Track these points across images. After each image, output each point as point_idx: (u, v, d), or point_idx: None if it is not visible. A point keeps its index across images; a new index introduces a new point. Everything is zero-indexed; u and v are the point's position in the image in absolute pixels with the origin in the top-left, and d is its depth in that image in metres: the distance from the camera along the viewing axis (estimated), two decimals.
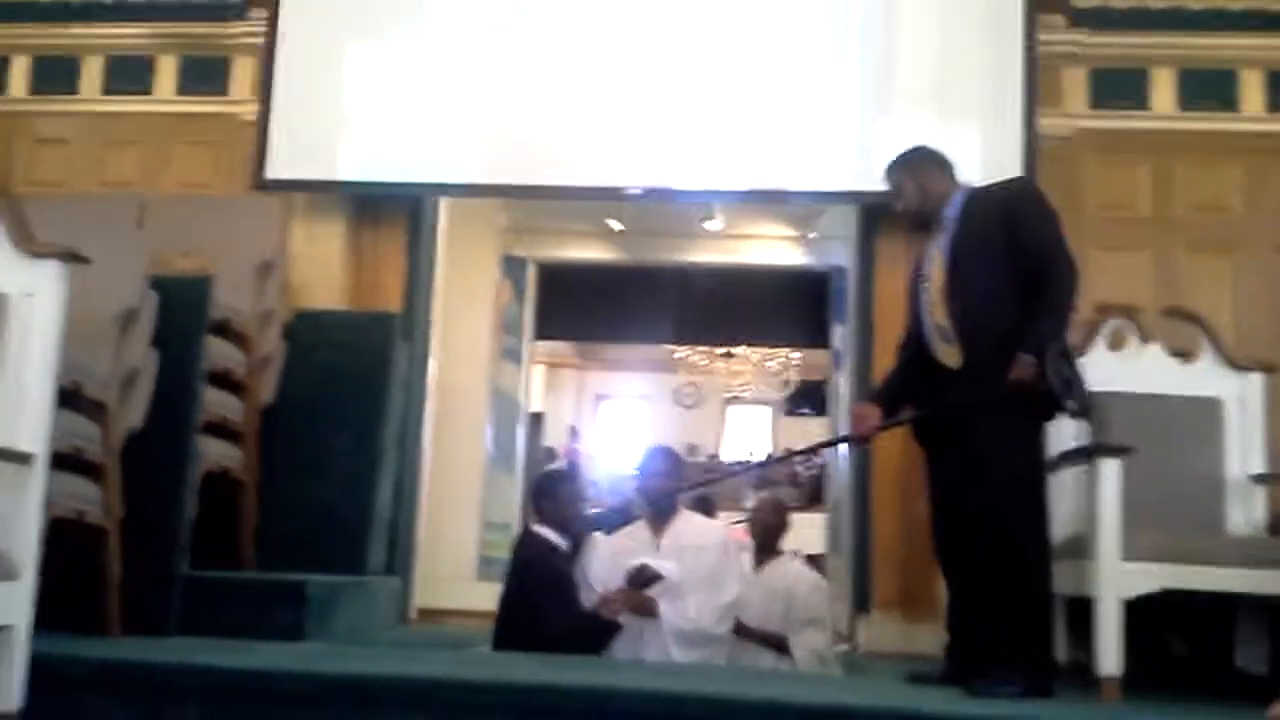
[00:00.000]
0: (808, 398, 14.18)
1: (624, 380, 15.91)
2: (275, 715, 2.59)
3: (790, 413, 15.11)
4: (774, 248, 8.04)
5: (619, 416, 15.61)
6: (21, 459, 2.49)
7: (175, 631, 3.29)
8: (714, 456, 14.98)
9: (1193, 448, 3.53)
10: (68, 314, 2.64)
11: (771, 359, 14.44)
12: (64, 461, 2.89)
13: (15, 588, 2.44)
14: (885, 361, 3.81)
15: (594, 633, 3.94)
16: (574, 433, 14.87)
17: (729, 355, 14.60)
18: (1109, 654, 2.94)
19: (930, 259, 3.37)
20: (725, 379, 14.96)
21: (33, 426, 2.52)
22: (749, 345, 13.91)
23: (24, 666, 2.45)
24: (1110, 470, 3.03)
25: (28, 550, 2.49)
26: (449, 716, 2.55)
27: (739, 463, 14.03)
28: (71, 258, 2.65)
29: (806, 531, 6.92)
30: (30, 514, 2.51)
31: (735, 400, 15.62)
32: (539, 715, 2.54)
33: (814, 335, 8.61)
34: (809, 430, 12.50)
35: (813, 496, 11.24)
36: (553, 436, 14.05)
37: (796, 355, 14.08)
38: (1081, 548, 3.19)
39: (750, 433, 15.55)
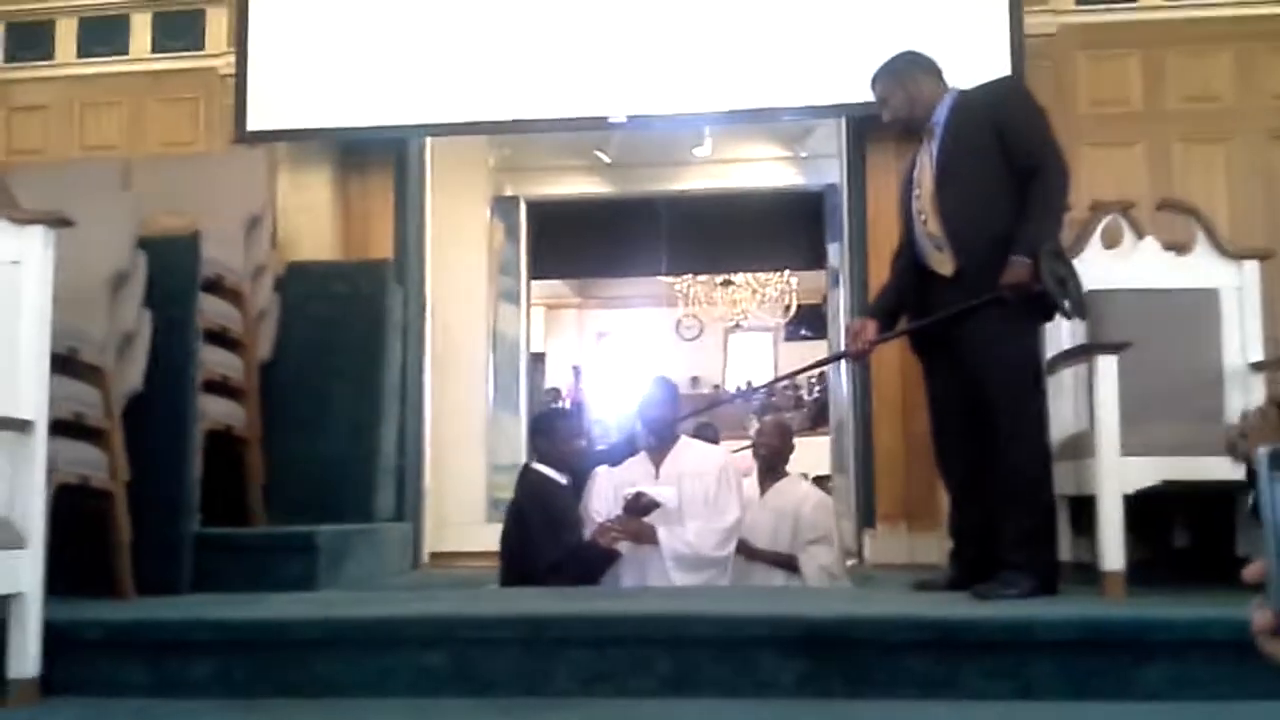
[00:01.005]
0: (808, 322, 14.16)
1: (624, 317, 15.89)
2: (291, 663, 2.62)
3: (791, 338, 15.10)
4: (765, 170, 7.99)
5: (621, 353, 15.60)
6: (21, 426, 2.50)
7: (188, 590, 3.33)
8: (718, 387, 15.00)
9: (1191, 340, 3.52)
10: (58, 280, 2.64)
11: (770, 285, 14.39)
12: (66, 428, 2.91)
13: (24, 556, 2.47)
14: (881, 277, 3.79)
15: (591, 562, 3.97)
16: (576, 372, 14.88)
17: (728, 284, 14.55)
18: (1112, 549, 2.96)
19: (920, 166, 3.34)
20: (725, 308, 14.92)
21: (30, 393, 2.54)
22: (746, 272, 13.86)
23: (38, 633, 2.48)
24: (1107, 366, 3.03)
25: (35, 518, 2.51)
26: (461, 652, 2.58)
27: (740, 390, 14.06)
28: (57, 222, 2.65)
29: (811, 453, 6.94)
30: (34, 481, 2.53)
31: (736, 329, 15.60)
32: (549, 645, 2.57)
33: (811, 257, 8.59)
34: (811, 354, 12.47)
35: (816, 419, 11.28)
36: (555, 377, 14.06)
37: (795, 280, 14.03)
38: (1082, 447, 3.20)
39: (753, 361, 15.54)
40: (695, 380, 14.36)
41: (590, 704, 2.47)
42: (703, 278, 14.33)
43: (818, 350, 10.11)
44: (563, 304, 15.51)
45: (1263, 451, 0.75)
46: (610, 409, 12.72)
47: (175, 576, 3.32)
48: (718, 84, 4.78)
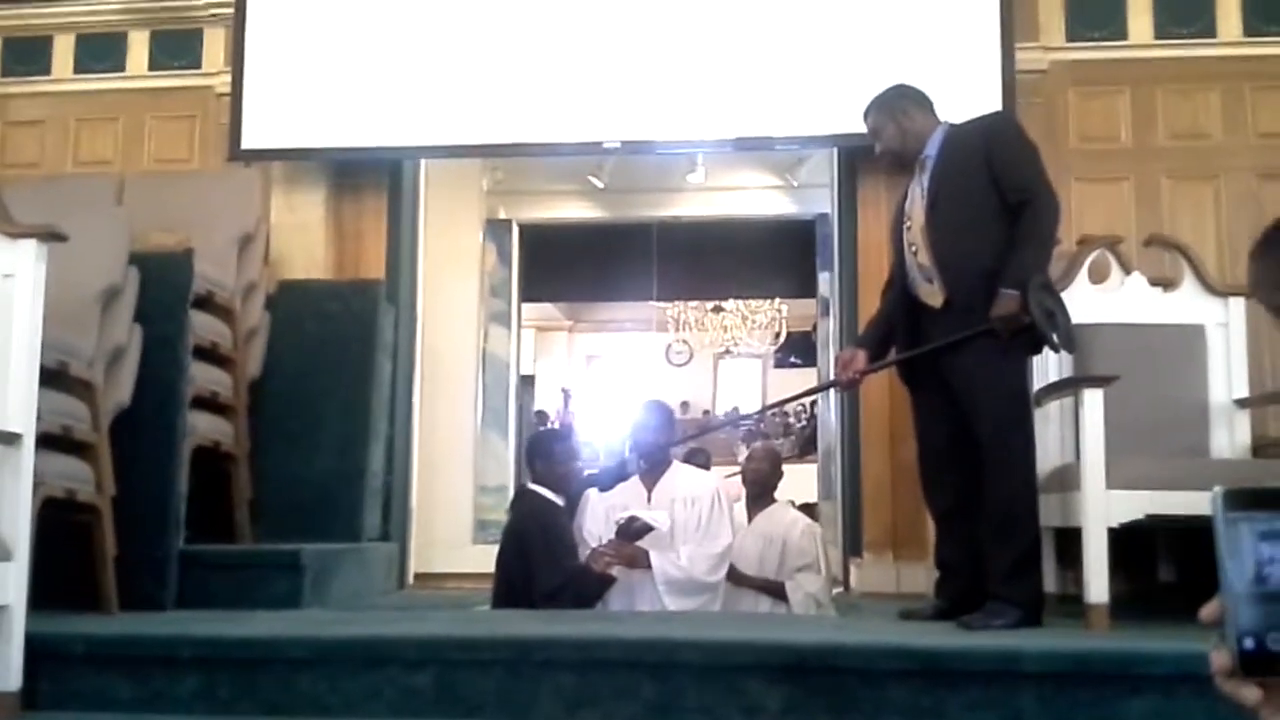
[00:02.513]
0: (798, 349, 14.20)
1: (614, 341, 15.91)
2: (276, 681, 2.61)
3: (781, 365, 15.14)
4: (758, 198, 8.03)
5: (611, 377, 15.61)
6: (9, 439, 2.50)
7: (172, 606, 3.32)
8: (707, 413, 15.03)
9: (1177, 375, 3.54)
10: (49, 294, 2.65)
11: (760, 312, 14.44)
12: (53, 442, 2.91)
13: (9, 568, 2.46)
14: (871, 306, 3.81)
15: (587, 587, 3.97)
16: (566, 395, 14.89)
17: (718, 310, 14.60)
18: (1096, 582, 2.97)
19: (911, 199, 3.36)
20: (715, 334, 14.96)
21: (19, 406, 2.54)
22: (737, 299, 13.91)
23: (21, 646, 2.47)
24: (1094, 400, 3.04)
25: (20, 530, 2.50)
26: (449, 673, 2.57)
27: (730, 417, 14.07)
28: (50, 236, 2.66)
29: (799, 481, 6.95)
30: (21, 494, 2.52)
31: (726, 355, 15.63)
32: (535, 667, 2.56)
33: (802, 285, 8.63)
34: (800, 382, 12.51)
35: (804, 447, 11.30)
36: (544, 399, 14.07)
37: (785, 307, 14.09)
38: (1068, 479, 3.21)
39: (742, 387, 15.56)
40: (685, 405, 14.37)
41: None
42: (694, 304, 14.38)
43: (807, 378, 10.16)
44: (553, 326, 15.54)
45: (1217, 490, 0.76)
46: (599, 432, 12.72)
47: (160, 593, 3.31)
48: (712, 112, 4.81)
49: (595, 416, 14.26)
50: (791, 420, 14.46)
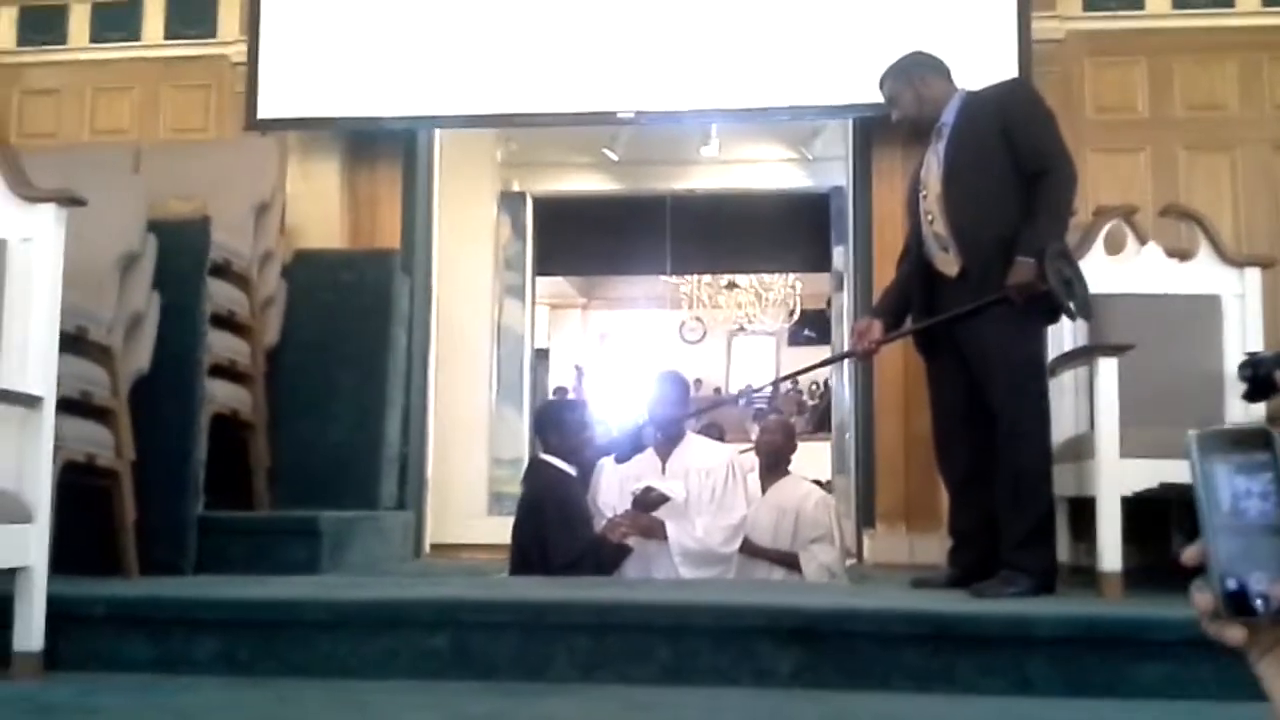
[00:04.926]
0: (812, 326, 14.18)
1: (628, 318, 15.91)
2: (295, 643, 2.64)
3: (795, 342, 15.12)
4: (772, 171, 8.00)
5: (624, 354, 15.62)
6: (30, 401, 2.53)
7: (191, 571, 3.35)
8: (719, 390, 15.03)
9: (1192, 345, 3.54)
10: (69, 260, 2.67)
11: (773, 290, 14.41)
12: (73, 406, 2.93)
13: (30, 530, 2.49)
14: (886, 280, 3.80)
15: (604, 557, 3.99)
16: (579, 372, 14.91)
17: (732, 286, 14.57)
18: (1110, 550, 2.98)
19: (927, 167, 3.36)
20: (729, 311, 14.95)
21: (39, 369, 2.57)
22: (751, 273, 13.88)
23: (43, 607, 2.50)
24: (1108, 368, 3.04)
25: (41, 493, 2.53)
26: (465, 636, 2.60)
27: (744, 391, 14.07)
28: (68, 201, 2.68)
29: (812, 458, 6.95)
30: (41, 456, 2.55)
31: (740, 332, 15.62)
32: (550, 630, 2.59)
33: (816, 259, 8.60)
34: (814, 358, 12.49)
35: (819, 423, 11.30)
36: (559, 376, 14.09)
37: (799, 284, 14.06)
38: (1082, 449, 3.22)
39: (756, 365, 15.56)
40: (698, 383, 14.37)
41: (590, 689, 2.49)
42: (707, 279, 14.36)
43: (821, 355, 10.14)
44: (567, 304, 15.54)
45: (1191, 434, 0.76)
46: (612, 409, 12.73)
47: (179, 558, 3.34)
48: (726, 83, 4.80)
49: (608, 393, 14.27)
50: (805, 398, 14.47)
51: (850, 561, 4.75)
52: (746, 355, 15.84)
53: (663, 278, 13.64)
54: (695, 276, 14.13)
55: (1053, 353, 3.43)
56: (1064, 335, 3.51)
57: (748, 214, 9.03)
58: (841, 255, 6.77)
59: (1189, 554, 0.77)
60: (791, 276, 13.94)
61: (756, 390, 12.26)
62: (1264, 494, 0.75)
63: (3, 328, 2.59)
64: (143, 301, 3.34)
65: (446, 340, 5.68)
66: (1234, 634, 0.76)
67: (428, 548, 5.19)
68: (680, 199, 8.74)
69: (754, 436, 5.41)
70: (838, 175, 6.53)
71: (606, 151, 7.74)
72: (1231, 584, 0.75)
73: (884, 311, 3.53)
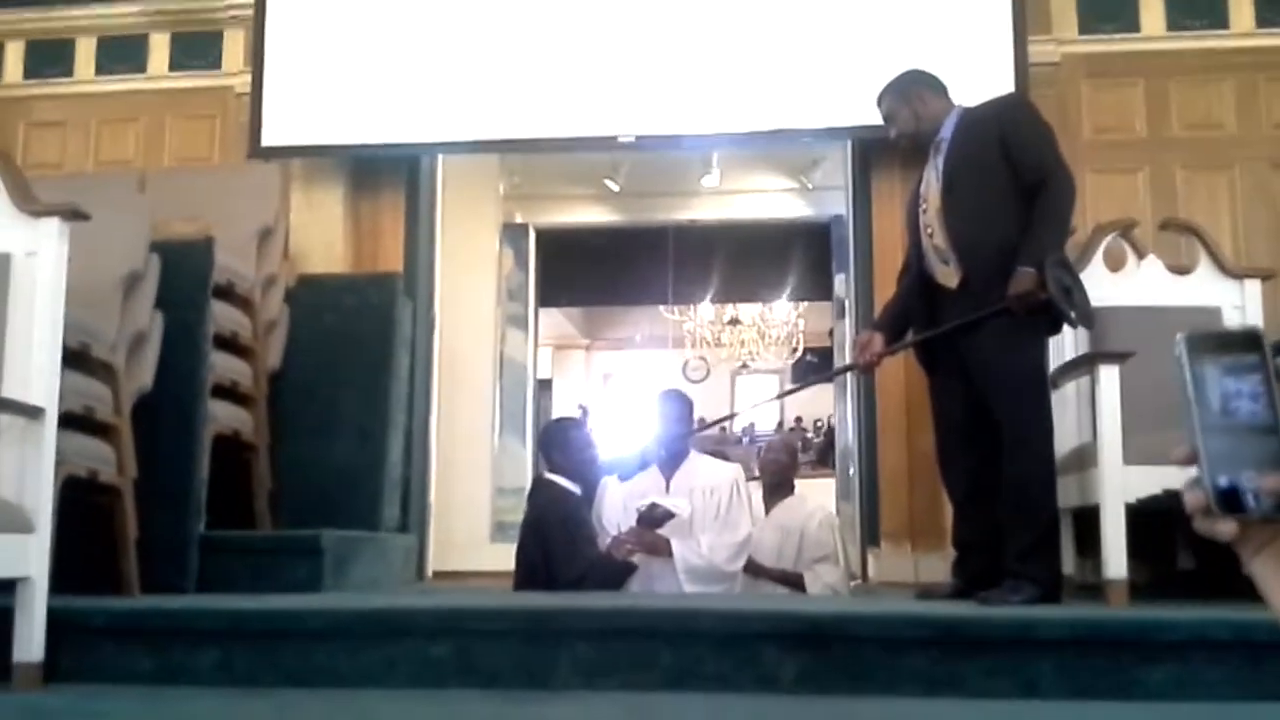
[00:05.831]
0: (814, 365, 14.19)
1: (631, 358, 15.93)
2: (295, 653, 2.62)
3: (798, 379, 15.11)
4: (773, 200, 8.05)
5: (628, 394, 15.61)
6: (32, 413, 2.53)
7: (193, 590, 3.33)
8: (724, 429, 15.00)
9: None
10: (73, 278, 2.68)
11: (775, 327, 14.43)
12: (76, 422, 2.93)
13: (30, 540, 2.48)
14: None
15: (609, 574, 3.97)
16: (584, 412, 14.91)
17: (735, 323, 14.59)
18: (1115, 558, 2.96)
19: (926, 182, 3.38)
20: (732, 349, 14.96)
21: (41, 381, 2.56)
22: (753, 302, 13.91)
23: (43, 619, 2.49)
24: (1110, 375, 3.05)
25: (42, 504, 2.53)
26: (467, 644, 2.58)
27: (748, 430, 14.09)
28: (72, 215, 2.70)
29: (815, 495, 6.90)
30: (43, 468, 2.55)
31: (743, 370, 15.63)
32: (552, 637, 2.57)
33: (818, 287, 8.64)
34: (817, 396, 12.51)
35: (822, 456, 11.29)
36: (562, 411, 14.08)
37: (802, 321, 14.08)
38: (1085, 457, 3.21)
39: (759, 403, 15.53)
40: (702, 422, 14.35)
41: (593, 697, 2.47)
42: (709, 317, 14.39)
43: (824, 393, 10.14)
44: (570, 344, 15.57)
45: (1180, 336, 0.77)
46: (617, 447, 12.71)
47: (180, 576, 3.32)
48: (726, 107, 4.83)
49: (614, 432, 14.25)
50: (810, 434, 14.47)
51: (855, 582, 4.73)
52: (750, 393, 15.85)
53: (665, 315, 13.67)
54: (698, 314, 14.17)
55: (1054, 364, 3.43)
56: (1064, 348, 3.52)
57: (749, 243, 9.07)
58: (843, 283, 6.79)
59: (1177, 453, 0.78)
60: (794, 313, 13.98)
61: (762, 402, 12.23)
62: (1253, 394, 0.76)
63: (6, 340, 2.60)
64: (146, 320, 3.35)
65: (449, 369, 5.69)
66: (1225, 528, 0.77)
67: (430, 573, 5.17)
68: (682, 229, 8.79)
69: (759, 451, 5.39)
70: (838, 204, 6.57)
71: (608, 182, 7.80)
72: (1224, 482, 0.76)
73: (885, 325, 3.54)
